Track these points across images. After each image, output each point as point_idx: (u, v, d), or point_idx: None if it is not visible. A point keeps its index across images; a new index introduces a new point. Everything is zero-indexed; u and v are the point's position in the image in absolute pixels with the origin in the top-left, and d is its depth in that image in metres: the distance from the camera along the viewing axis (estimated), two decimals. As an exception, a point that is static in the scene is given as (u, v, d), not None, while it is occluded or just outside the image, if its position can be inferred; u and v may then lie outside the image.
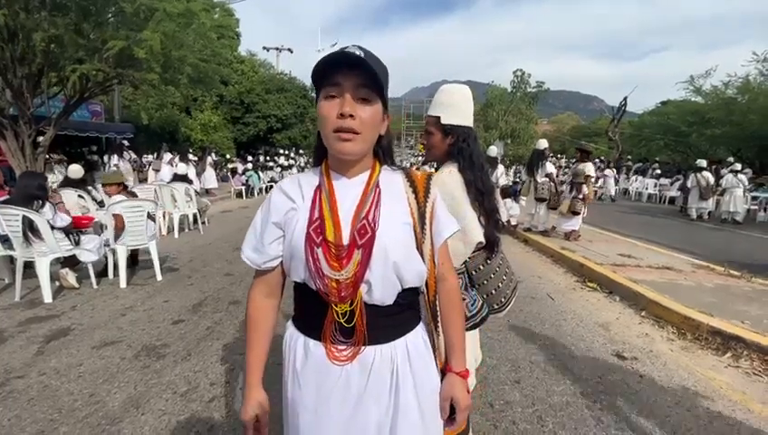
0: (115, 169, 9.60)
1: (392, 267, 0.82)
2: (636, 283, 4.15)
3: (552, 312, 3.67)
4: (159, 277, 4.34)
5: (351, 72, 0.78)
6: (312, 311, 0.86)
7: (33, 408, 2.10)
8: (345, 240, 0.82)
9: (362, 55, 0.77)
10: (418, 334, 0.92)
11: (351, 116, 0.78)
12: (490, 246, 1.53)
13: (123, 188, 4.60)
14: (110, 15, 7.47)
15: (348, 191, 0.86)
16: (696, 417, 2.17)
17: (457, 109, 1.51)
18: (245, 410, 0.91)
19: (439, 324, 0.95)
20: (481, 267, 1.53)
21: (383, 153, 0.94)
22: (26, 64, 7.21)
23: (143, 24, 7.16)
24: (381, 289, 0.83)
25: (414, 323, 0.92)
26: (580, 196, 6.39)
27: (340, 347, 0.84)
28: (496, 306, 1.60)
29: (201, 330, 3.11)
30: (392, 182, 0.91)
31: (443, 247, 0.93)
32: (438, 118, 1.50)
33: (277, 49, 32.92)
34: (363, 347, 0.83)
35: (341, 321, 0.82)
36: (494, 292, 1.58)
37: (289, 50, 33.54)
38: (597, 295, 4.20)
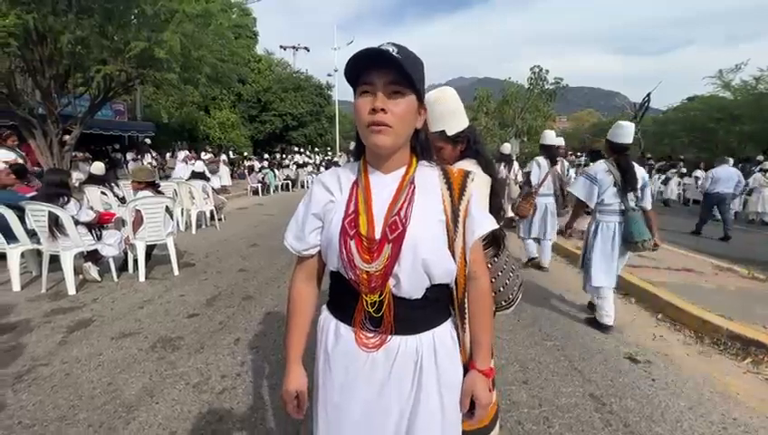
0: (139, 167, 9.92)
1: (421, 263, 0.84)
2: (653, 284, 4.04)
3: (563, 312, 3.61)
4: (176, 272, 4.47)
5: (383, 68, 0.80)
6: (344, 298, 0.91)
7: (56, 394, 2.21)
8: (377, 234, 0.85)
9: (393, 51, 0.78)
10: (446, 329, 0.94)
11: (383, 110, 0.80)
12: (497, 244, 1.52)
13: (148, 185, 4.55)
14: (132, 17, 7.70)
15: (383, 186, 0.89)
16: (709, 423, 2.12)
17: (454, 114, 1.48)
18: (287, 387, 0.97)
19: (466, 321, 0.96)
20: (489, 266, 1.53)
21: (421, 148, 0.94)
22: (54, 66, 7.51)
23: (164, 25, 7.37)
24: (409, 283, 0.85)
25: (443, 317, 0.94)
26: None
27: (368, 335, 0.88)
28: (504, 303, 1.60)
29: (214, 324, 3.19)
30: (428, 178, 0.92)
31: (475, 246, 0.93)
32: (443, 132, 1.46)
33: (294, 48, 33.33)
34: (390, 336, 0.87)
35: (371, 311, 0.86)
36: (501, 289, 1.58)
37: (305, 48, 33.91)
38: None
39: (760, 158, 12.10)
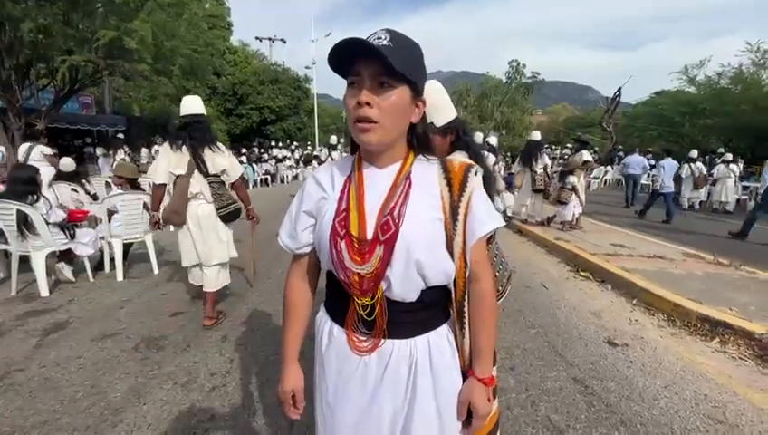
0: (122, 162, 9.49)
1: (414, 265, 0.79)
2: (628, 271, 4.22)
3: (545, 300, 3.74)
4: (156, 270, 4.34)
5: (370, 58, 0.73)
6: (337, 299, 0.88)
7: (35, 399, 2.12)
8: (369, 235, 0.80)
9: (384, 40, 0.72)
10: (443, 333, 0.89)
11: (369, 104, 0.75)
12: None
13: (128, 181, 4.47)
14: (98, 5, 7.33)
15: (377, 183, 0.84)
16: (683, 400, 2.25)
17: (442, 107, 1.51)
18: (282, 387, 0.95)
19: (465, 325, 0.89)
20: None
21: (418, 143, 0.87)
22: (14, 55, 7.08)
23: (134, 13, 7.06)
24: (401, 286, 0.81)
25: (439, 321, 0.90)
26: (568, 186, 6.46)
27: (361, 338, 0.85)
28: None
29: (199, 322, 3.12)
30: (426, 174, 0.85)
31: (477, 245, 0.85)
32: (431, 124, 1.47)
33: (270, 39, 32.47)
34: (383, 341, 0.84)
35: (363, 314, 0.83)
36: None
37: (282, 40, 33.10)
38: (590, 284, 4.27)
39: (721, 150, 12.75)
